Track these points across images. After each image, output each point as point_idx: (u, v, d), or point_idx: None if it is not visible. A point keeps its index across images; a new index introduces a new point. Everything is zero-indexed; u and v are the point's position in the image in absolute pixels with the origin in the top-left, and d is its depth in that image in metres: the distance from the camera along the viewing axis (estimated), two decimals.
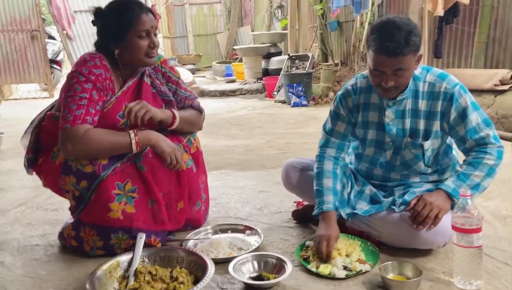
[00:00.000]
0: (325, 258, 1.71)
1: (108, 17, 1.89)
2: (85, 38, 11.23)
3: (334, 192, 1.87)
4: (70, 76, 1.84)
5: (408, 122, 1.81)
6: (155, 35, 1.92)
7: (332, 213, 1.83)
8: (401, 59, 1.62)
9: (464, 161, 1.77)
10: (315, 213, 1.88)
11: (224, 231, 2.08)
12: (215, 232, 2.07)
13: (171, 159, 1.87)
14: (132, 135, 1.81)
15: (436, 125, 1.78)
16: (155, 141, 1.85)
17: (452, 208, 1.70)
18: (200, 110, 2.16)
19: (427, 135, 1.80)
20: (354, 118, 1.93)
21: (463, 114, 1.73)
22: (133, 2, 1.88)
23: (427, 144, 1.80)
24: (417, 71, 1.78)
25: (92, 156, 1.80)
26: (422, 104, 1.78)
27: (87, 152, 1.78)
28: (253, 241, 1.95)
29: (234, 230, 2.07)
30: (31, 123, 2.04)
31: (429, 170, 1.88)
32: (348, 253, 1.75)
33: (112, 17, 1.87)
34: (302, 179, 2.08)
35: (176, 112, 1.97)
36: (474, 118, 1.73)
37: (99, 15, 1.92)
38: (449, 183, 1.72)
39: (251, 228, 2.05)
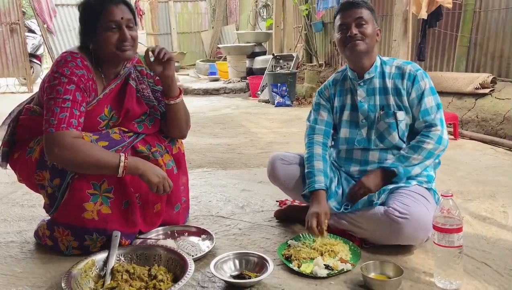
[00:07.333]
0: (318, 235, 1.78)
1: (81, 11, 1.83)
2: (66, 32, 11.02)
3: (325, 174, 1.95)
4: (52, 78, 1.75)
5: (378, 98, 1.98)
6: (129, 27, 1.80)
7: (322, 192, 1.90)
8: (359, 10, 1.90)
9: (407, 145, 1.93)
10: (306, 192, 1.93)
11: (181, 233, 2.00)
12: (166, 235, 1.97)
13: (157, 189, 1.79)
14: (123, 158, 1.72)
15: (405, 101, 1.94)
16: (142, 171, 1.76)
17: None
18: None
19: (399, 108, 1.95)
20: (332, 106, 2.10)
21: (421, 96, 1.91)
22: None
23: (401, 114, 1.93)
24: (385, 58, 2.03)
25: (76, 166, 1.72)
26: (390, 83, 1.96)
27: (73, 161, 1.69)
28: (205, 246, 1.88)
29: (190, 233, 2.00)
30: (9, 114, 1.98)
31: (404, 145, 1.96)
32: (338, 250, 1.75)
33: (84, 11, 1.81)
34: (287, 172, 2.09)
35: (182, 90, 1.98)
36: (429, 101, 1.91)
37: (79, 10, 1.85)
38: (389, 164, 1.91)
39: (207, 233, 1.98)
